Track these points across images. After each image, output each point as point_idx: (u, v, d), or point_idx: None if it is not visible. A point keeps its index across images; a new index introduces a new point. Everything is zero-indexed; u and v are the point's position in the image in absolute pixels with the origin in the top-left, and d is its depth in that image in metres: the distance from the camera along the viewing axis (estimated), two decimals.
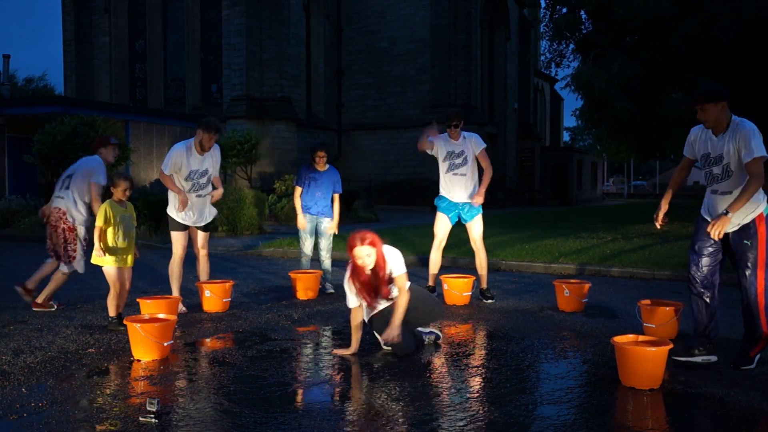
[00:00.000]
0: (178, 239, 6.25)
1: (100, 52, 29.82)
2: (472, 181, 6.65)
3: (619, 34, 14.92)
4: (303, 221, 7.24)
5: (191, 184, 6.13)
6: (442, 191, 6.75)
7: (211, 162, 6.23)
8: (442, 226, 6.77)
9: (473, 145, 6.63)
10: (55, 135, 14.10)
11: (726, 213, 4.05)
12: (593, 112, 15.14)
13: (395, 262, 4.58)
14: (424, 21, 28.98)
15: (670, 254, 9.62)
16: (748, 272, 4.20)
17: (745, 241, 4.19)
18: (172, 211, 6.18)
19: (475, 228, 6.73)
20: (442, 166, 6.70)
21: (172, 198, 6.16)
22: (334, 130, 29.60)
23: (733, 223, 4.18)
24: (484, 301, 6.68)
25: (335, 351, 4.70)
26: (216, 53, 27.10)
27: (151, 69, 29.50)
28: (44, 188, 17.21)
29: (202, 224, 6.35)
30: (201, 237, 6.41)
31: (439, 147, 6.66)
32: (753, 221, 4.19)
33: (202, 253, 6.45)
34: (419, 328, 4.92)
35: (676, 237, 12.17)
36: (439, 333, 5.06)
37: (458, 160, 6.61)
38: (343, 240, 9.20)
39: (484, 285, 6.79)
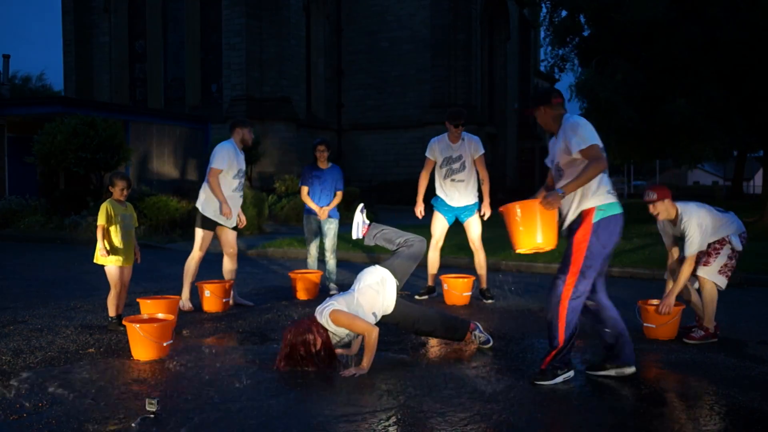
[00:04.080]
0: (205, 238, 6.27)
1: (100, 52, 29.79)
2: (470, 185, 6.64)
3: (619, 39, 14.84)
4: (318, 208, 7.18)
5: (238, 182, 6.26)
6: (440, 194, 6.74)
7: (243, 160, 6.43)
8: (439, 226, 6.77)
9: (472, 149, 6.58)
10: (55, 135, 14.10)
11: (560, 192, 3.86)
12: (599, 120, 15.08)
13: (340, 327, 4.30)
14: (424, 21, 28.97)
15: None
16: (559, 273, 3.96)
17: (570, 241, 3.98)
18: (209, 211, 6.20)
19: (474, 227, 6.73)
20: (440, 171, 6.68)
21: (209, 197, 6.17)
22: (334, 130, 29.59)
23: (572, 211, 3.96)
24: (484, 301, 6.69)
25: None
26: (216, 53, 27.09)
27: (151, 69, 29.48)
28: (44, 188, 17.20)
29: (234, 224, 6.40)
30: (233, 237, 6.45)
31: (436, 152, 6.65)
32: (580, 214, 3.94)
33: (232, 253, 6.47)
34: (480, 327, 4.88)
35: None
36: (489, 338, 4.91)
37: (456, 165, 6.59)
38: (345, 241, 9.20)
39: (484, 285, 6.80)
